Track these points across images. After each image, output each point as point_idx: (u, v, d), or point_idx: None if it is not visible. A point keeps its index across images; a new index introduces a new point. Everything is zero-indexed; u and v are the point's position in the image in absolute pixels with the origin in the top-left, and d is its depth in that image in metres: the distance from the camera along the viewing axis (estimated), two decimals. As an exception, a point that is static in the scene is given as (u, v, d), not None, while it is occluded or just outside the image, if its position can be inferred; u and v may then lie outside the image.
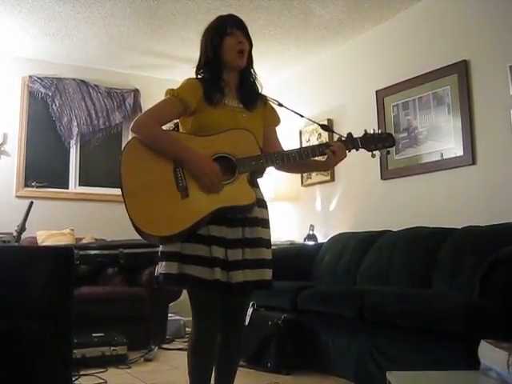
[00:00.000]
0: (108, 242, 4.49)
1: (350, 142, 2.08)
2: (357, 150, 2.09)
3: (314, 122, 2.36)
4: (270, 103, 2.18)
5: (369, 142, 2.09)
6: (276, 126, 2.20)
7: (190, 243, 1.88)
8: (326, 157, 2.07)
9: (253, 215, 1.98)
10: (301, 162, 2.05)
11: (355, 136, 2.10)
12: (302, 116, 2.25)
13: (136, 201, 1.85)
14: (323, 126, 2.29)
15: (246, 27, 2.06)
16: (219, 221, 1.90)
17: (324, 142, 4.80)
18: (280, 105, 2.19)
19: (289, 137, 5.01)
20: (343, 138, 2.09)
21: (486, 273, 2.46)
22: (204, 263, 1.87)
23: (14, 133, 5.02)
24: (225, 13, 2.14)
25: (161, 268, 1.93)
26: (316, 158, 2.12)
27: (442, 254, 3.23)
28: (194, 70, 2.09)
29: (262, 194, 2.07)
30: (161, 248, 1.96)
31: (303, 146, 5.11)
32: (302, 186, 5.28)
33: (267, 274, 2.00)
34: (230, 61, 2.02)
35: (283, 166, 2.10)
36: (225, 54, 2.01)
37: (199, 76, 2.07)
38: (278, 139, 2.20)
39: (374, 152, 2.12)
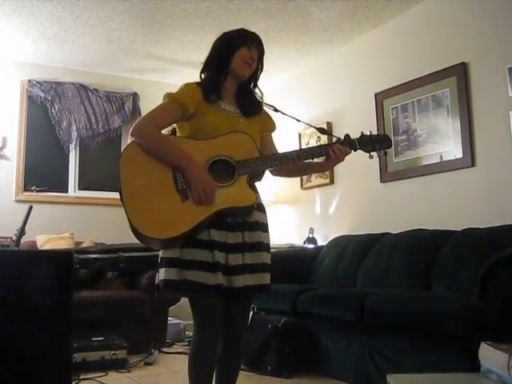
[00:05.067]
0: (108, 246, 4.48)
1: (348, 144, 2.08)
2: (355, 150, 2.10)
3: (311, 126, 2.36)
4: (266, 109, 2.18)
5: (366, 143, 2.11)
6: (272, 131, 2.21)
7: (189, 248, 1.87)
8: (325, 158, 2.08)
9: (253, 219, 1.98)
10: (299, 163, 2.06)
11: (352, 138, 2.10)
12: (298, 120, 2.26)
13: (135, 204, 1.84)
14: (320, 130, 2.29)
15: (264, 51, 2.09)
16: (220, 225, 1.90)
17: (323, 143, 4.85)
18: (276, 110, 2.19)
19: (288, 139, 5.01)
20: (340, 140, 2.10)
21: (485, 275, 2.46)
22: (206, 268, 1.85)
23: (14, 137, 5.02)
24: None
25: (161, 275, 1.92)
26: (315, 160, 2.12)
27: (442, 256, 3.23)
28: (200, 69, 2.10)
29: (260, 199, 2.07)
30: (160, 254, 1.95)
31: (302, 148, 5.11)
32: (302, 189, 5.28)
33: (267, 278, 2.00)
34: (235, 68, 2.03)
35: (281, 168, 2.09)
36: (233, 61, 2.02)
37: (201, 76, 2.09)
38: (274, 145, 2.20)
39: (372, 153, 2.13)
